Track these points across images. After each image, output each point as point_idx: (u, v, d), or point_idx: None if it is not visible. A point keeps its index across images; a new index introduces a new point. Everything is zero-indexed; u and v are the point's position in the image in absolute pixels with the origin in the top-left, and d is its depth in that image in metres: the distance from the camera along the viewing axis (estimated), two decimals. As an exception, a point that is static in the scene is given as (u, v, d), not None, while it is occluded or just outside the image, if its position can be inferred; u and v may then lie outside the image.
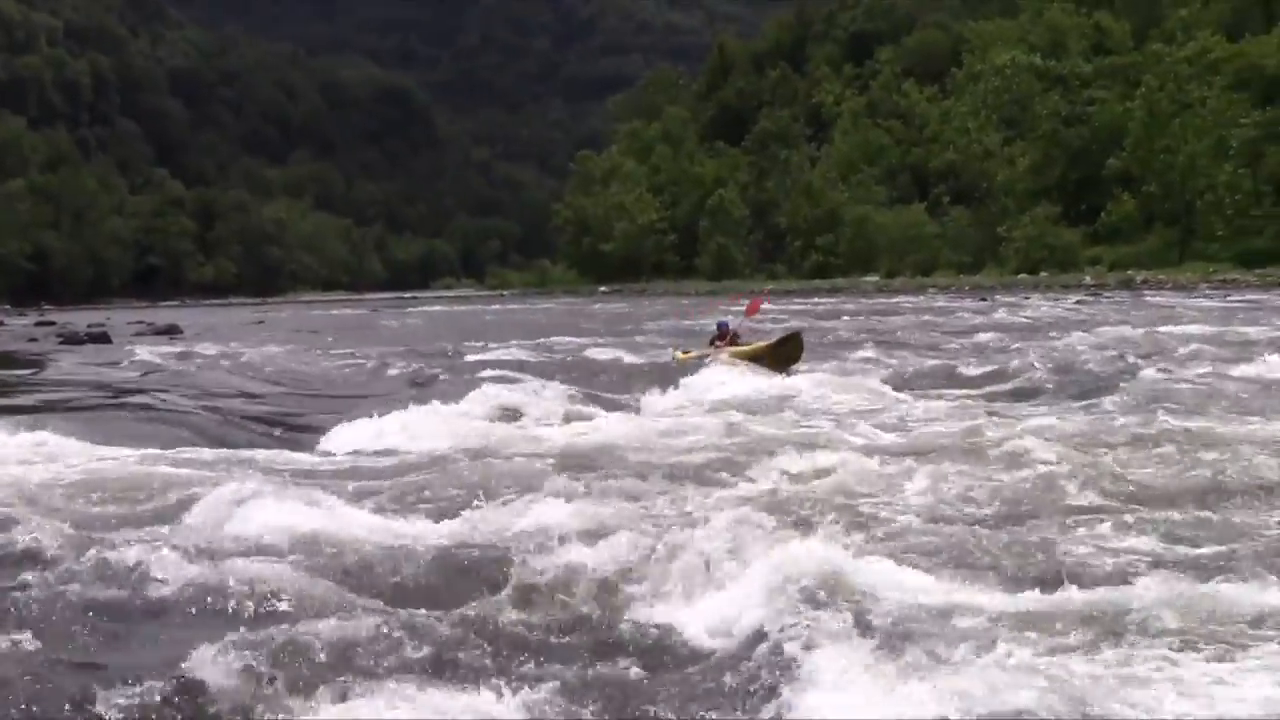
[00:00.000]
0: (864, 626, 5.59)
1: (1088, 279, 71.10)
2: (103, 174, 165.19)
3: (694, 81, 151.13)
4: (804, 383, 17.42)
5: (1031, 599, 6.11)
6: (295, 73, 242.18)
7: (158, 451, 11.51)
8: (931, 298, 66.37)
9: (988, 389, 17.44)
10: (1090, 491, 8.88)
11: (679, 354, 23.36)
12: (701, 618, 6.09)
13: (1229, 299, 48.11)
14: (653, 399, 16.80)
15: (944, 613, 5.84)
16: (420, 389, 19.02)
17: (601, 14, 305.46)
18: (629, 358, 25.27)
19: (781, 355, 20.36)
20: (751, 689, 5.15)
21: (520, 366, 22.04)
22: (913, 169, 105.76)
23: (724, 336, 22.59)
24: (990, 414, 13.74)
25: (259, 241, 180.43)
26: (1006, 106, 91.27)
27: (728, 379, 18.59)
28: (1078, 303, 50.36)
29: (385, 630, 5.79)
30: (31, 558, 7.14)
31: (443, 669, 5.32)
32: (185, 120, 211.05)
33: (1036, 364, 19.99)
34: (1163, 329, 28.50)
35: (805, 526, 7.78)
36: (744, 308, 28.13)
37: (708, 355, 21.49)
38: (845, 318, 43.72)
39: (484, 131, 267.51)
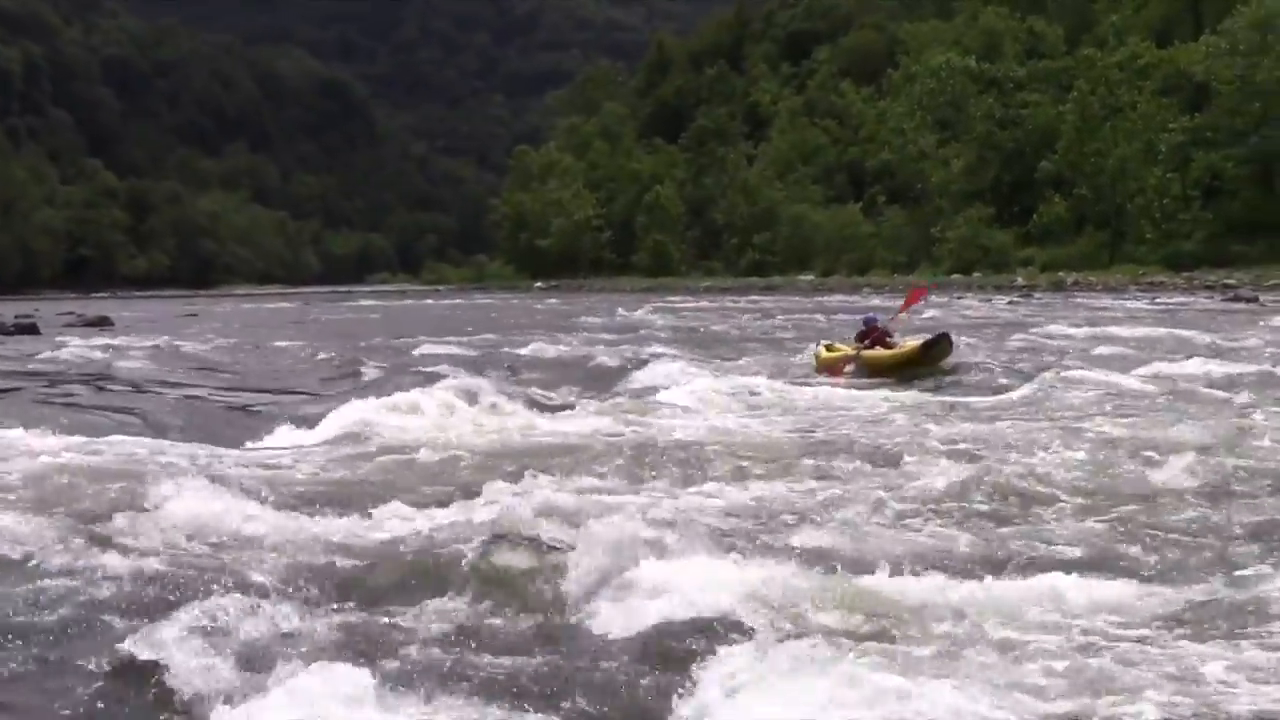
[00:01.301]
0: (793, 628, 5.73)
1: (1020, 280, 71.76)
2: (33, 164, 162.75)
3: (632, 78, 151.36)
4: (740, 380, 17.57)
5: (937, 589, 6.28)
6: (232, 64, 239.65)
7: (84, 441, 11.44)
8: (866, 296, 66.76)
9: (917, 388, 17.66)
10: (996, 492, 9.07)
11: (822, 351, 21.02)
12: (641, 615, 6.15)
13: (1156, 301, 48.80)
14: (594, 397, 16.88)
15: (883, 609, 6.00)
16: (356, 384, 19.03)
17: (541, 9, 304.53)
18: (568, 353, 25.36)
19: (932, 357, 19.02)
20: (696, 688, 5.22)
21: (458, 362, 22.06)
22: (849, 168, 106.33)
23: (871, 334, 20.40)
24: (920, 414, 13.95)
25: (193, 234, 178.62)
26: (941, 108, 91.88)
27: (660, 375, 18.77)
28: (1010, 303, 50.95)
29: (312, 627, 5.86)
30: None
31: (366, 666, 5.34)
32: (119, 110, 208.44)
33: (964, 363, 20.27)
34: (1090, 330, 28.93)
35: (739, 528, 7.93)
36: (900, 301, 25.96)
37: (851, 357, 19.78)
38: (780, 316, 43.94)
39: (423, 126, 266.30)
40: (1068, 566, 6.90)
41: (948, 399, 15.85)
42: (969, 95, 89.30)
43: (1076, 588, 6.35)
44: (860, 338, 20.53)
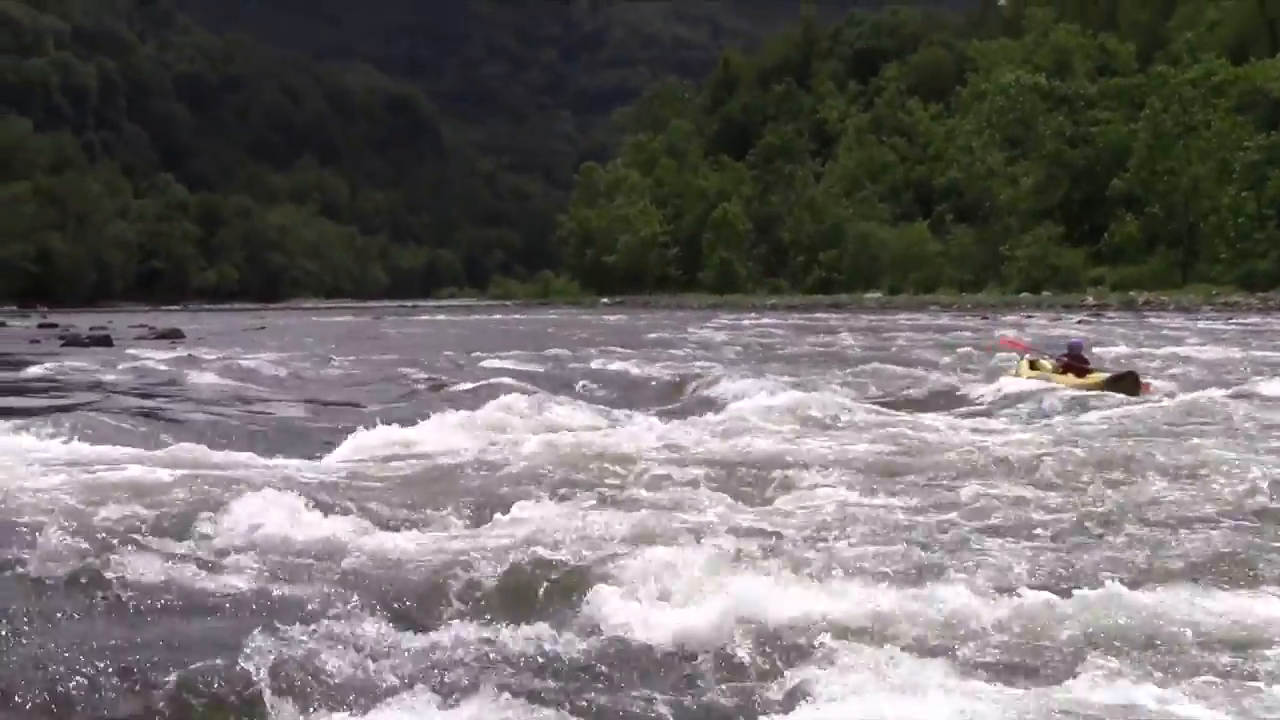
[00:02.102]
0: (858, 647, 5.63)
1: (1090, 299, 71.11)
2: (108, 178, 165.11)
3: (699, 95, 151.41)
4: (803, 396, 17.43)
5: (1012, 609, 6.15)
6: (301, 79, 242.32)
7: (160, 456, 11.51)
8: (933, 315, 66.37)
9: (988, 406, 17.45)
10: (1065, 509, 8.90)
11: (1025, 367, 20.91)
12: (701, 632, 6.07)
13: (1231, 321, 48.11)
14: (660, 411, 16.81)
15: (940, 628, 5.88)
16: (423, 398, 19.08)
17: (608, 26, 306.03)
18: (635, 370, 25.32)
19: (1120, 388, 18.40)
20: (745, 702, 5.17)
21: (525, 377, 22.08)
22: (916, 186, 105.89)
23: (1075, 359, 20.10)
24: (982, 431, 13.77)
25: (262, 247, 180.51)
26: (1011, 126, 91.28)
27: (730, 388, 18.69)
28: (1079, 322, 50.35)
29: (386, 640, 5.82)
30: (32, 562, 7.14)
31: (444, 680, 5.33)
32: (190, 125, 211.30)
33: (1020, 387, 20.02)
34: (1163, 350, 28.53)
35: (803, 543, 7.82)
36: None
37: (1049, 379, 19.60)
38: (847, 333, 43.73)
39: (490, 142, 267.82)
40: (1175, 578, 6.76)
41: (1018, 418, 15.62)
42: (1039, 113, 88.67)
43: (1193, 603, 6.20)
44: (1062, 359, 20.29)
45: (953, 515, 8.84)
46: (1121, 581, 6.52)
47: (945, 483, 10.12)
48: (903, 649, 5.57)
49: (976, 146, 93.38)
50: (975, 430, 14.02)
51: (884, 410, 16.46)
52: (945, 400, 18.81)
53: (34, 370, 27.26)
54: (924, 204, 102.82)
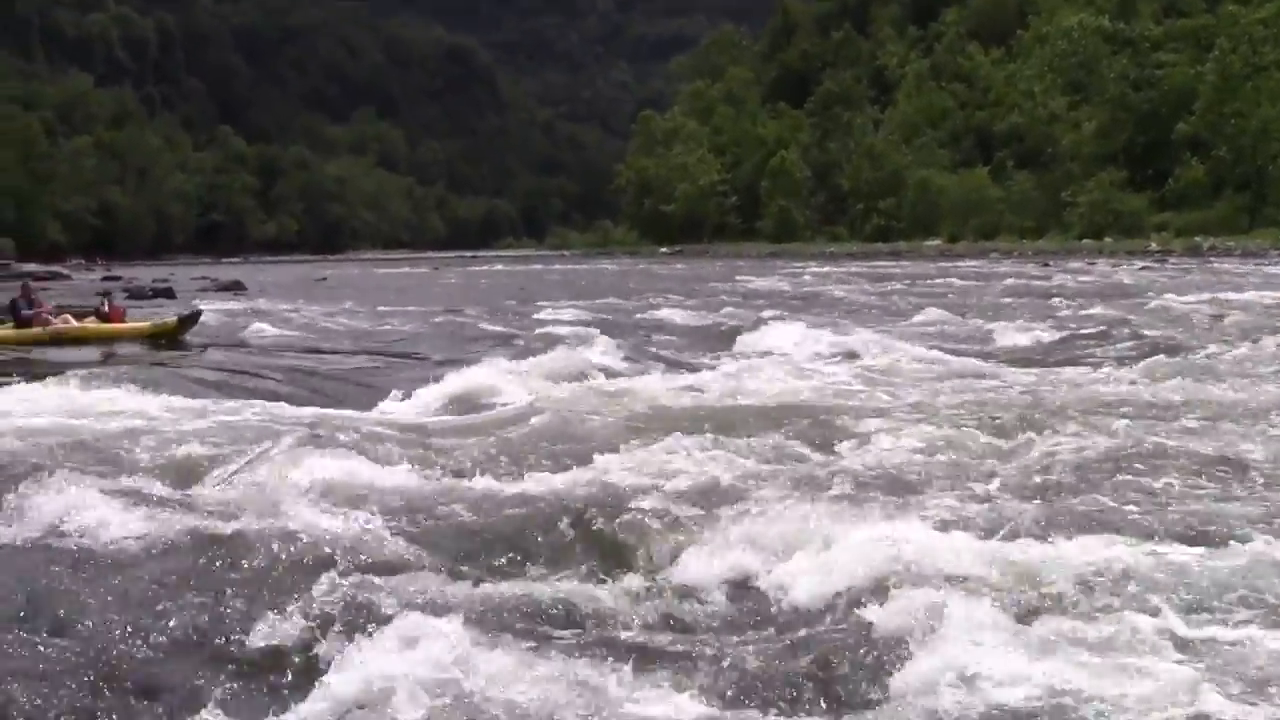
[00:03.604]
0: (941, 597, 5.57)
1: (1153, 245, 70.21)
2: (167, 131, 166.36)
3: (757, 42, 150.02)
4: (862, 343, 17.33)
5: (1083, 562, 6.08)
6: (358, 30, 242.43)
7: (226, 406, 11.62)
8: (994, 262, 65.78)
9: (1047, 354, 17.28)
10: (1136, 460, 8.75)
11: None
12: (771, 583, 6.05)
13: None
14: (721, 360, 16.77)
15: (1016, 577, 5.83)
16: (483, 347, 19.10)
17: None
18: (694, 319, 25.27)
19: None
20: (833, 657, 5.11)
21: (585, 325, 22.10)
22: (977, 132, 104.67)
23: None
24: (1055, 380, 13.63)
25: (320, 199, 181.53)
26: (1073, 70, 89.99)
27: (790, 337, 18.62)
28: (1143, 269, 49.80)
29: (452, 589, 5.83)
30: (104, 510, 7.22)
31: (501, 627, 5.32)
32: (248, 78, 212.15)
33: (1097, 329, 19.85)
34: (1230, 296, 28.12)
35: (870, 495, 7.77)
36: None
37: None
38: (906, 281, 43.44)
39: (547, 92, 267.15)
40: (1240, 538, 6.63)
41: (1086, 368, 15.46)
42: (1102, 56, 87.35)
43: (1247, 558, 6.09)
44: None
45: (1029, 462, 8.74)
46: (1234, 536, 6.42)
47: (1021, 429, 10.01)
48: (988, 601, 5.50)
49: (1038, 91, 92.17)
50: (1038, 377, 13.89)
51: (950, 357, 16.33)
52: (1008, 347, 18.66)
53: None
54: (984, 150, 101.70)
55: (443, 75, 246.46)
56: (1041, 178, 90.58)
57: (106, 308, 22.62)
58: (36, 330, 21.04)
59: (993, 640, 4.93)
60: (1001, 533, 6.55)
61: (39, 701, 4.55)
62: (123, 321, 21.96)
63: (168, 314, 24.46)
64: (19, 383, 12.68)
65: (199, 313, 22.62)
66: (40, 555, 6.42)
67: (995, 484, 8.06)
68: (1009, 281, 41.44)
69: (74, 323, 21.71)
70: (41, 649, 5.06)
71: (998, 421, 10.40)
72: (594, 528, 6.97)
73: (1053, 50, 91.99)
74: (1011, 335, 20.30)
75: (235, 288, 46.96)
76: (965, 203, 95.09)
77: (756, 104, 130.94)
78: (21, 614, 5.47)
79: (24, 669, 4.82)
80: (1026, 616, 5.30)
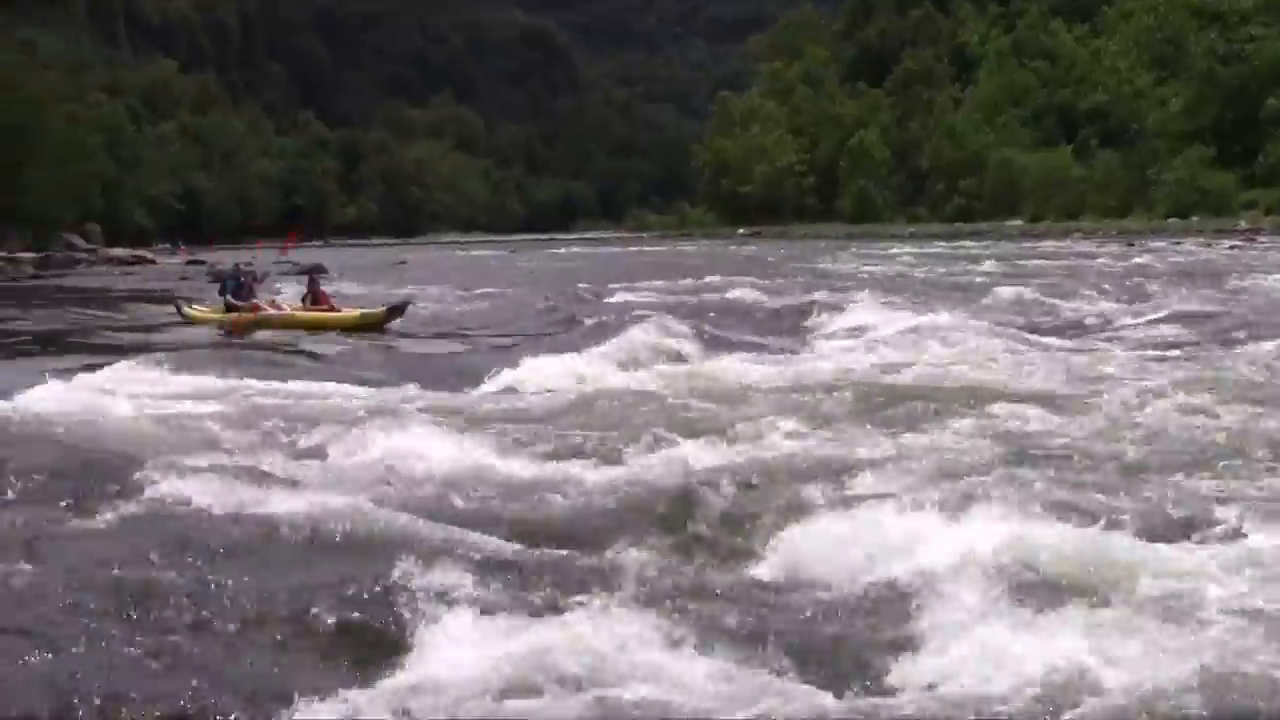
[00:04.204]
0: (1007, 577, 5.51)
1: (1243, 224, 68.83)
2: (250, 116, 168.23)
3: (835, 21, 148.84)
4: (942, 325, 17.17)
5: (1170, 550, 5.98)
6: (436, 14, 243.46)
7: (312, 387, 11.75)
8: (1077, 242, 64.96)
9: (1132, 336, 17.04)
10: (1218, 444, 8.59)
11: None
12: (849, 565, 6.01)
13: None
14: (799, 342, 16.71)
15: (1085, 562, 5.75)
16: (562, 330, 19.19)
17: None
18: (773, 300, 25.17)
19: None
20: (899, 636, 5.12)
21: (661, 308, 22.03)
22: (1059, 110, 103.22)
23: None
24: (1142, 362, 13.44)
25: (400, 183, 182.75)
26: (1159, 45, 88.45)
27: (865, 320, 18.52)
28: (1232, 248, 48.92)
29: (537, 567, 5.86)
30: (195, 490, 7.32)
31: (585, 607, 5.34)
32: (329, 62, 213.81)
33: (1184, 310, 19.55)
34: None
35: (953, 476, 7.70)
36: None
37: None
38: (987, 261, 43.01)
39: (624, 73, 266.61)
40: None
41: (1173, 349, 15.23)
42: (1189, 30, 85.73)
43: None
44: None
45: (1116, 447, 8.61)
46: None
47: (1104, 412, 9.87)
48: (1066, 590, 5.44)
49: (1123, 67, 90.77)
50: (1124, 360, 13.70)
51: (1031, 337, 16.17)
52: (1091, 329, 18.43)
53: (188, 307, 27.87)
54: (1067, 128, 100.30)
55: (520, 58, 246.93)
56: (1126, 156, 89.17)
57: (312, 296, 22.40)
58: (250, 315, 21.04)
59: (1082, 635, 4.88)
60: (1093, 524, 6.44)
61: (137, 675, 4.62)
62: (330, 309, 21.70)
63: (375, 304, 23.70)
64: (110, 365, 12.85)
65: (407, 303, 22.28)
66: (141, 534, 6.51)
67: (1078, 469, 7.95)
68: (1092, 261, 40.96)
69: (284, 309, 21.65)
70: (133, 627, 5.14)
71: (1079, 403, 10.27)
72: (672, 510, 6.97)
73: (1138, 25, 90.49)
74: (1094, 315, 20.07)
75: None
76: (1048, 182, 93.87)
77: (835, 84, 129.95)
78: (114, 591, 5.54)
79: (120, 644, 4.90)
80: (1121, 616, 5.22)
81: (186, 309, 22.71)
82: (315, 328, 20.24)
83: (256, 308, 21.41)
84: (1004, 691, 4.44)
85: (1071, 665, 4.56)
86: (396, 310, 21.31)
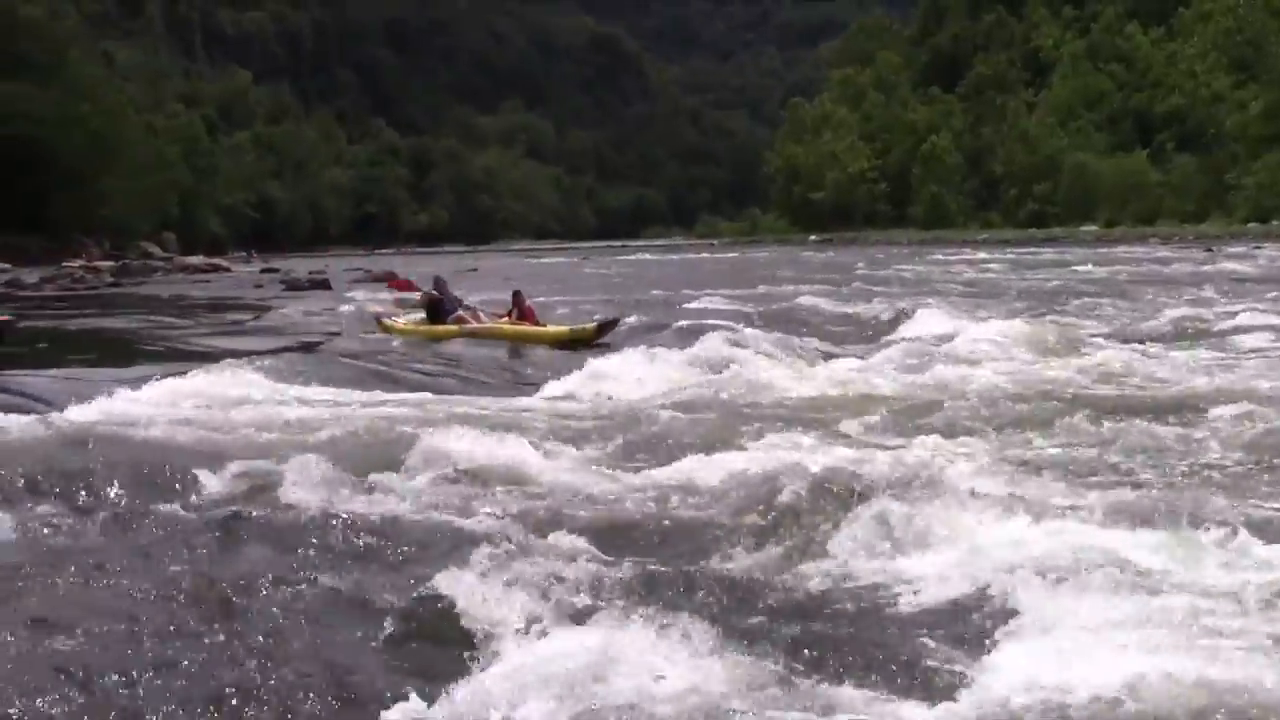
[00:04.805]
0: (1077, 587, 5.38)
1: (1325, 228, 67.72)
2: (322, 125, 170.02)
3: (907, 27, 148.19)
4: (1012, 331, 16.94)
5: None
6: (505, 21, 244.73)
7: (377, 395, 11.79)
8: (1153, 247, 64.16)
9: (1213, 342, 16.74)
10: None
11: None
12: (917, 573, 5.92)
13: None
14: (870, 349, 16.57)
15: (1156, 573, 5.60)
16: (633, 336, 19.13)
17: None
18: (844, 307, 25.02)
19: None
20: (963, 645, 5.01)
21: (734, 316, 21.98)
22: (1135, 114, 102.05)
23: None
24: (1222, 371, 13.20)
25: (471, 190, 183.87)
26: (1238, 47, 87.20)
27: (940, 326, 18.34)
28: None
29: (597, 572, 5.79)
30: (265, 490, 7.39)
31: (648, 612, 5.26)
32: (399, 70, 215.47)
33: (1267, 318, 19.20)
34: None
35: (1024, 483, 7.57)
36: None
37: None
38: (1060, 268, 42.55)
39: (694, 79, 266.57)
40: None
41: (1257, 357, 14.94)
42: (1270, 32, 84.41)
43: None
44: None
45: (1214, 453, 8.43)
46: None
47: (1190, 419, 9.68)
48: (1147, 595, 5.29)
49: (1201, 70, 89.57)
50: (1201, 366, 13.45)
51: (1106, 344, 15.92)
52: (1168, 333, 18.15)
53: (262, 314, 28.26)
54: (1143, 133, 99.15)
55: (590, 64, 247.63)
56: (1204, 160, 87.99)
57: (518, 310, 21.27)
58: (451, 327, 20.34)
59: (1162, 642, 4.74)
60: (1186, 528, 6.29)
61: (210, 677, 4.63)
62: (536, 323, 20.76)
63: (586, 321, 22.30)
64: (194, 371, 12.93)
65: (618, 319, 21.24)
66: (220, 536, 6.60)
67: (1171, 473, 7.80)
68: (1169, 268, 40.41)
69: (485, 321, 20.79)
70: (207, 629, 5.14)
71: (1158, 412, 10.08)
72: (744, 517, 6.90)
73: (1216, 27, 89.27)
74: (1172, 321, 19.76)
75: (388, 279, 47.68)
76: (1123, 187, 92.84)
77: (907, 89, 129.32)
78: (193, 592, 5.56)
79: (195, 645, 4.91)
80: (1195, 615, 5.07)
81: (385, 321, 21.98)
82: (522, 340, 19.39)
83: (460, 320, 20.62)
84: (1086, 700, 4.31)
85: (1162, 674, 4.42)
86: (608, 325, 20.31)
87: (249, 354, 16.13)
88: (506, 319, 20.79)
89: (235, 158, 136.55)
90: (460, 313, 20.91)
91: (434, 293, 21.61)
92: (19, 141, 74.43)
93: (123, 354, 19.32)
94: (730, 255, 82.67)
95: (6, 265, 57.23)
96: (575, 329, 20.06)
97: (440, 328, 20.45)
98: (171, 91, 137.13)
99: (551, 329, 20.26)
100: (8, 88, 77.04)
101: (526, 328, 20.21)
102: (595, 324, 20.35)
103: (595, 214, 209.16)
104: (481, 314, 21.28)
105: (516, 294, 21.47)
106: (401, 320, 21.93)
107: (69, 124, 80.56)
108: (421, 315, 21.66)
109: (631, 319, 22.06)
